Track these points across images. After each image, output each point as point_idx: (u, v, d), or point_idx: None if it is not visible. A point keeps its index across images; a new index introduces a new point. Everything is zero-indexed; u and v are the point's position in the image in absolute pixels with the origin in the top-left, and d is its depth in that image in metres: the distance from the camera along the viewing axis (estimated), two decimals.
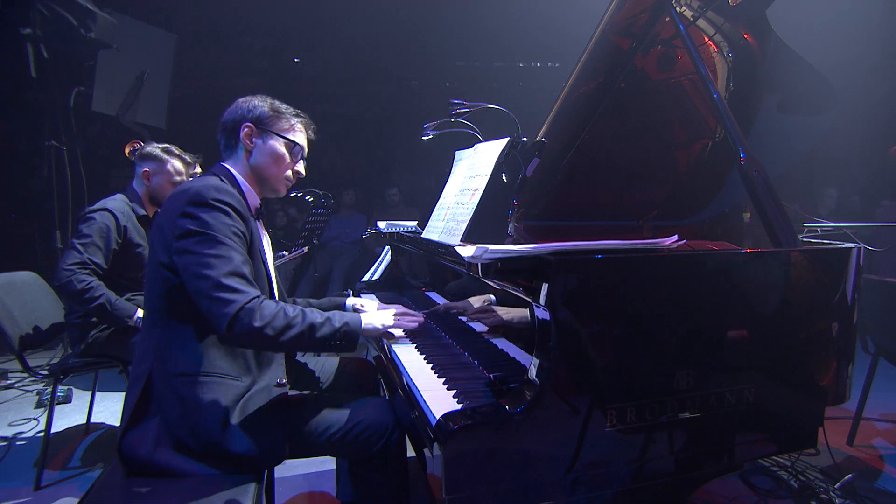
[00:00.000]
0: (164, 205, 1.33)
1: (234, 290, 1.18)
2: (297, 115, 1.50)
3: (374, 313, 1.52)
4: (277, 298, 1.49)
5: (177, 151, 2.45)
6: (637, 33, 1.71)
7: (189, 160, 2.50)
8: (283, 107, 1.48)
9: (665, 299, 1.16)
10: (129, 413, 1.26)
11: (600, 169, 1.87)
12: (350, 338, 1.35)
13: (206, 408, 1.24)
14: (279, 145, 1.45)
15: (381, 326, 1.49)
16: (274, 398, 1.35)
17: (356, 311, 1.82)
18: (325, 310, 1.81)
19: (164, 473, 1.22)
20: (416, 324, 1.57)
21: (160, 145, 2.45)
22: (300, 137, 1.50)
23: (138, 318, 2.23)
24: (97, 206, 2.29)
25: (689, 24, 1.77)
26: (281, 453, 1.32)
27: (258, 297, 1.22)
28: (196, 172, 3.29)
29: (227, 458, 1.24)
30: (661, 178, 1.98)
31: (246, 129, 1.43)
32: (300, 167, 1.52)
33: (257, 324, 1.18)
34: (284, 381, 1.45)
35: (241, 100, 1.47)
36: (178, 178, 2.43)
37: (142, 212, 2.42)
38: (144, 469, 1.23)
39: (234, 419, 1.25)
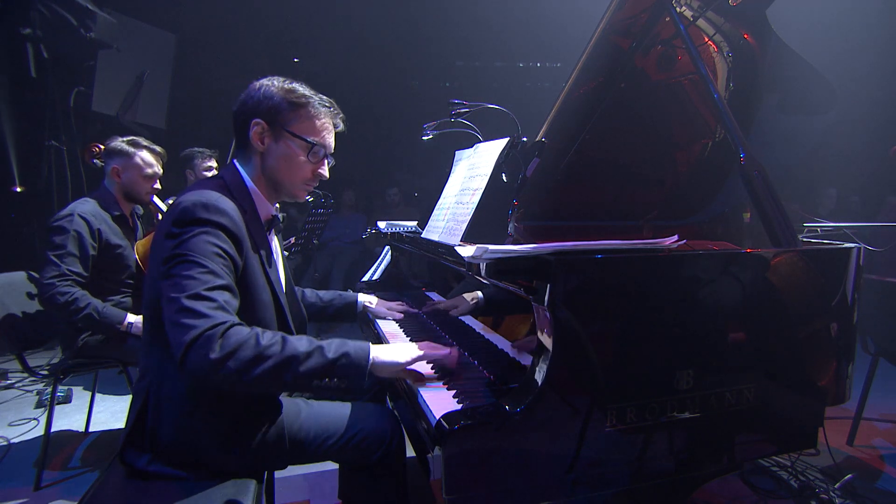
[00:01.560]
0: (161, 220, 1.24)
1: (197, 315, 0.98)
2: (321, 104, 1.25)
3: (389, 347, 1.22)
4: (291, 321, 1.33)
5: (144, 143, 2.33)
6: (637, 33, 1.71)
7: (159, 150, 2.38)
8: (303, 94, 1.24)
9: (665, 299, 1.16)
10: (131, 426, 1.19)
11: (600, 169, 1.87)
12: (352, 374, 1.09)
13: (200, 431, 1.16)
14: (297, 147, 1.24)
15: (401, 361, 1.18)
16: (271, 413, 1.26)
17: (366, 308, 1.83)
18: (333, 304, 1.80)
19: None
20: (449, 359, 1.28)
21: (125, 139, 2.31)
22: (324, 135, 1.28)
23: (129, 322, 2.18)
24: (65, 212, 2.18)
25: (689, 24, 1.77)
26: (280, 465, 1.30)
27: (224, 322, 1.00)
28: (212, 166, 3.25)
29: (225, 475, 1.21)
30: (661, 178, 1.98)
31: (256, 128, 1.22)
32: (324, 169, 1.30)
33: (214, 355, 0.95)
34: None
35: (255, 84, 1.24)
36: (149, 171, 2.31)
37: (117, 212, 2.31)
38: (143, 477, 1.19)
39: (230, 440, 1.19)
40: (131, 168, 2.29)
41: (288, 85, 1.24)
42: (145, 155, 2.31)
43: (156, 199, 2.47)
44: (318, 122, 1.25)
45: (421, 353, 1.22)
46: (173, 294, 1.01)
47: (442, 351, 1.27)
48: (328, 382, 1.07)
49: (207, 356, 0.95)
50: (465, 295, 1.62)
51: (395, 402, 1.52)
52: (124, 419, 3.00)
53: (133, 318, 2.20)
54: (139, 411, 1.18)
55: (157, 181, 2.39)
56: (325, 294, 1.85)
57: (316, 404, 1.37)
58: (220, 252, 1.09)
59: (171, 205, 1.20)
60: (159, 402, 1.16)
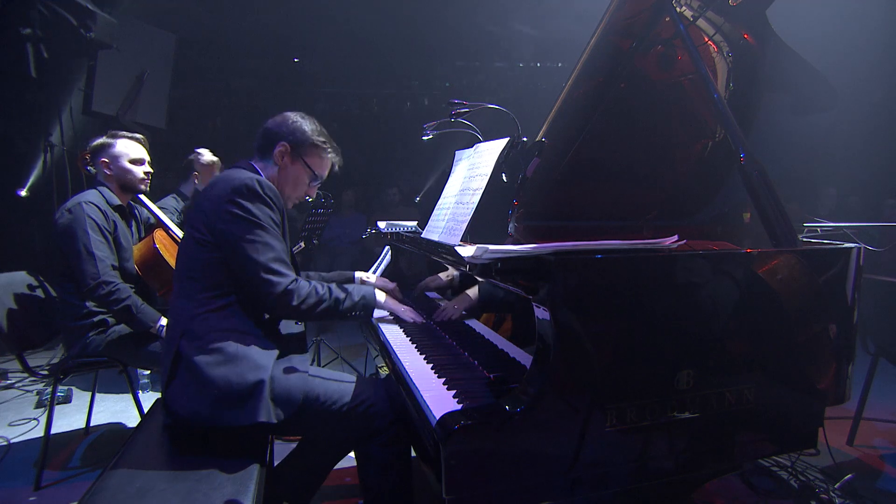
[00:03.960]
0: (207, 190, 1.46)
1: (280, 274, 1.42)
2: (332, 150, 1.65)
3: (379, 290, 1.78)
4: None
5: (122, 133, 2.35)
6: (637, 33, 1.71)
7: (140, 137, 2.38)
8: (323, 140, 1.61)
9: (665, 299, 1.16)
10: (167, 372, 1.39)
11: (600, 169, 1.87)
12: (367, 308, 1.63)
13: (242, 357, 1.36)
14: (304, 173, 1.62)
15: (381, 301, 1.75)
16: (295, 366, 1.48)
17: (363, 282, 2.04)
18: (334, 281, 1.99)
19: (203, 423, 1.33)
20: (405, 314, 1.83)
21: (105, 134, 2.35)
22: (325, 171, 1.66)
23: (161, 326, 2.16)
24: (70, 203, 2.17)
25: (689, 24, 1.77)
26: (295, 405, 1.39)
27: (295, 278, 1.45)
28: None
29: (257, 408, 1.32)
30: (661, 178, 1.97)
31: (281, 147, 1.57)
32: (313, 192, 1.70)
33: (295, 302, 1.44)
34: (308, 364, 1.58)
35: (291, 115, 1.60)
36: (134, 156, 2.32)
37: (116, 201, 2.31)
38: (184, 420, 1.35)
39: (264, 371, 1.36)
40: (115, 156, 2.31)
41: (317, 128, 1.62)
42: (125, 142, 2.33)
43: (145, 198, 2.42)
44: (325, 162, 1.65)
45: (383, 301, 1.78)
46: (255, 256, 1.39)
47: (401, 307, 1.84)
48: (356, 314, 1.59)
49: (291, 303, 1.44)
50: (441, 274, 1.73)
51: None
52: (124, 419, 3.01)
53: (164, 322, 2.16)
54: (175, 354, 1.38)
55: (147, 165, 2.37)
56: (327, 275, 2.04)
57: (328, 371, 1.56)
58: (276, 221, 1.47)
59: (219, 179, 1.47)
60: (200, 336, 1.38)
